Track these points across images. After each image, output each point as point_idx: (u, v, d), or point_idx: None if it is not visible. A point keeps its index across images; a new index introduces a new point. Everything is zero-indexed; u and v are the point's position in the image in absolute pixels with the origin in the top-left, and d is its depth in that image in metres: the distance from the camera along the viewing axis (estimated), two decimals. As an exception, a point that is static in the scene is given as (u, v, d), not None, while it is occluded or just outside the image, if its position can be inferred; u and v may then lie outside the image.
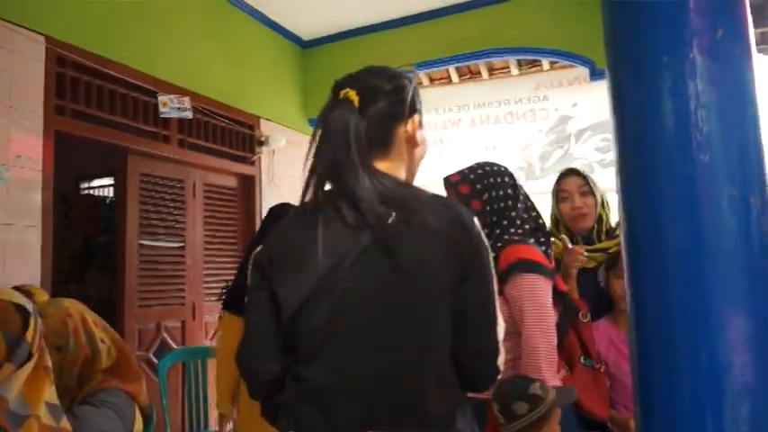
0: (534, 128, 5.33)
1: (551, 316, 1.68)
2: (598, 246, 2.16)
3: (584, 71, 4.65)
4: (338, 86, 1.22)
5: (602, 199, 2.19)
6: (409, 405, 1.04)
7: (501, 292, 1.65)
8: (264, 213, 4.37)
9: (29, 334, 1.10)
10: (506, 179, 1.86)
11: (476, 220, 1.12)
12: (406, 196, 1.10)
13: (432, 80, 5.75)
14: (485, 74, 5.51)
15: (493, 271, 1.13)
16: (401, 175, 1.22)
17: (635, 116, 1.09)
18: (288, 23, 4.77)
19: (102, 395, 1.50)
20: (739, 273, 0.94)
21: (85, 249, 5.10)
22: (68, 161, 4.51)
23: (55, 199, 4.78)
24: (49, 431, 1.04)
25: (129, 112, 3.38)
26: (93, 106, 3.15)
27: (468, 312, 1.09)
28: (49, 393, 1.10)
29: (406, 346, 1.05)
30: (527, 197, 1.92)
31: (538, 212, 1.91)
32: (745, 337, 0.93)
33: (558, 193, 2.24)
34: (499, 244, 1.77)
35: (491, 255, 1.13)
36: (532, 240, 1.80)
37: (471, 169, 1.92)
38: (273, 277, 1.14)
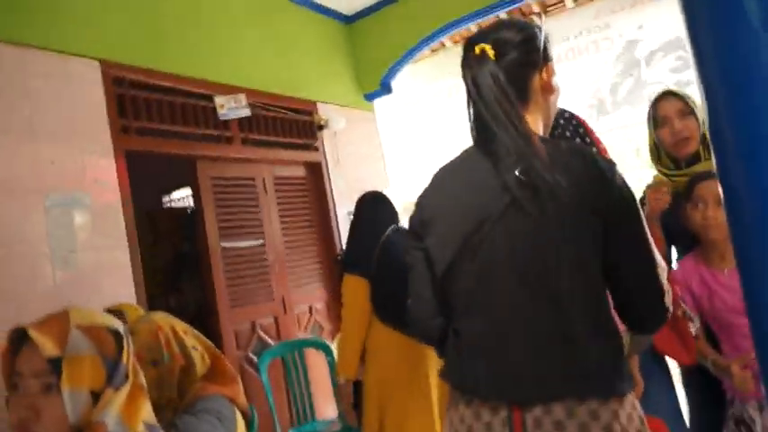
0: (599, 60, 5.01)
1: None
2: (686, 171, 1.98)
3: (647, -11, 4.32)
4: (471, 43, 1.26)
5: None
6: (560, 361, 1.07)
7: None
8: (335, 196, 4.39)
9: (124, 356, 1.10)
10: (562, 127, 1.80)
11: (616, 168, 1.14)
12: (550, 152, 1.12)
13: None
14: (538, 11, 5.22)
15: (642, 215, 1.14)
16: (539, 124, 1.26)
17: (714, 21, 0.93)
18: (328, 1, 4.68)
19: (201, 403, 1.51)
20: None
21: (175, 260, 5.30)
22: (148, 177, 4.69)
23: (140, 216, 5.02)
24: None
25: (189, 120, 3.43)
26: (155, 120, 3.22)
27: (623, 259, 1.12)
28: (146, 413, 1.10)
29: (551, 307, 1.08)
30: (594, 144, 1.77)
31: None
32: None
33: (655, 119, 2.06)
34: None
35: (637, 201, 1.14)
36: None
37: None
38: (426, 238, 1.24)
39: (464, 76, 1.24)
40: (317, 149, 4.38)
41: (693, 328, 1.81)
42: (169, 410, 1.53)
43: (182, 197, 5.85)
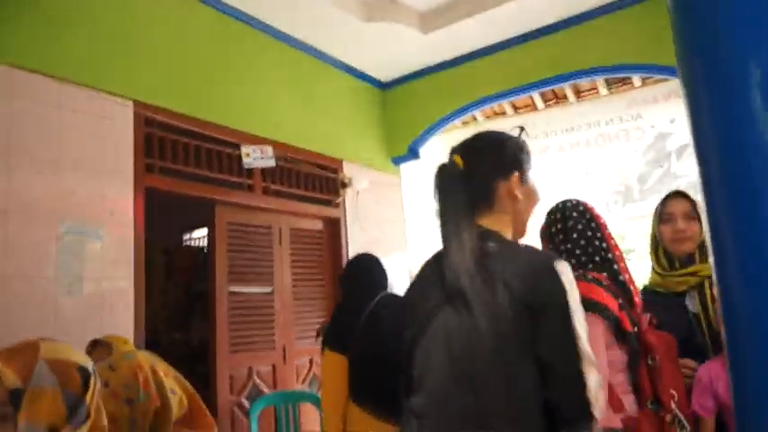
0: (629, 148, 5.03)
1: (598, 355, 1.48)
2: (689, 269, 2.01)
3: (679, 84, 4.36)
4: (450, 153, 1.42)
5: None
6: None
7: None
8: (350, 254, 4.39)
9: (88, 395, 1.10)
10: (567, 213, 1.87)
11: (559, 264, 1.21)
12: (493, 251, 1.26)
13: (516, 108, 5.62)
14: (571, 97, 5.30)
15: (575, 309, 1.19)
16: (506, 226, 1.37)
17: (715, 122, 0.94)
18: (366, 67, 4.84)
19: (170, 448, 1.49)
20: None
21: (186, 298, 5.32)
22: (170, 215, 4.78)
23: (157, 252, 5.10)
24: None
25: (214, 166, 3.52)
26: (180, 162, 3.31)
27: (545, 354, 1.17)
28: (103, 451, 1.08)
29: (471, 392, 1.19)
30: (598, 229, 1.82)
31: (607, 245, 1.82)
32: None
33: (662, 215, 2.12)
34: None
35: (570, 297, 1.19)
36: (592, 276, 1.73)
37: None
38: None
39: (433, 183, 1.39)
40: (337, 206, 4.43)
41: None
42: (137, 452, 1.51)
43: (202, 236, 5.93)
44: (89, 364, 1.13)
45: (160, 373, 1.60)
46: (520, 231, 1.43)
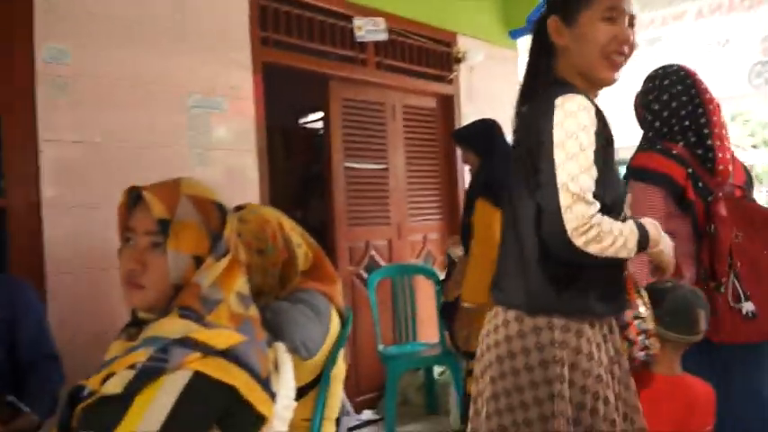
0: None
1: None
2: None
3: None
4: None
5: None
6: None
7: None
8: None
9: (227, 231, 1.16)
10: (666, 81, 1.87)
11: (562, 99, 1.27)
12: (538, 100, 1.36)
13: (651, -31, 5.00)
14: (719, -48, 4.62)
15: (560, 142, 1.25)
16: (570, 68, 1.41)
17: None
18: (481, -72, 4.46)
19: (299, 294, 1.58)
20: None
21: (304, 178, 5.53)
22: (286, 98, 4.88)
23: (275, 133, 5.27)
24: (237, 317, 1.09)
25: (326, 39, 3.48)
26: (294, 35, 3.29)
27: (536, 192, 1.30)
28: (241, 284, 1.16)
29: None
30: (697, 95, 1.82)
31: (705, 112, 1.81)
32: None
33: None
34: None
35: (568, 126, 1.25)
36: (663, 146, 1.79)
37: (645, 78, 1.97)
38: None
39: None
40: (450, 82, 4.28)
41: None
42: (270, 297, 1.62)
43: (316, 119, 6.04)
44: (225, 203, 1.19)
45: (286, 227, 1.67)
46: (591, 76, 1.40)
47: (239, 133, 2.96)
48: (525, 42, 5.03)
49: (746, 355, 1.73)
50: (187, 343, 0.98)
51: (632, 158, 1.84)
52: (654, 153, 1.77)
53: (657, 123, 1.84)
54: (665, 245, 1.39)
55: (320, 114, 5.79)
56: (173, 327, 1.01)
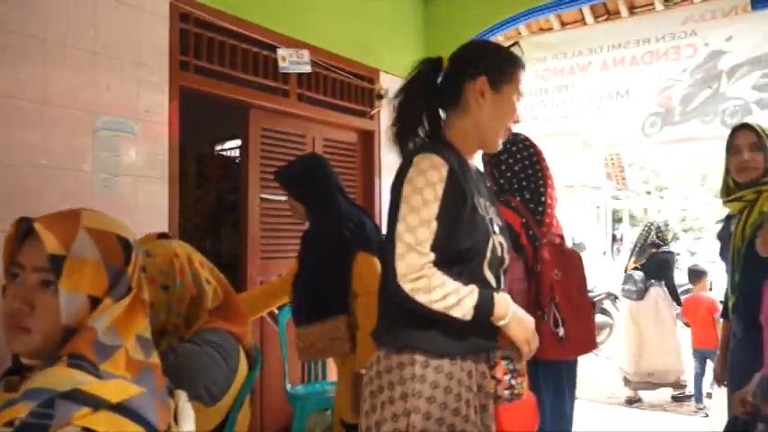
0: (677, 67, 4.73)
1: None
2: (734, 195, 2.31)
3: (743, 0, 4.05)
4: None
5: None
6: None
7: None
8: (383, 168, 4.33)
9: (130, 268, 1.07)
10: (508, 146, 2.19)
11: (418, 157, 1.42)
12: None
13: (563, 24, 5.32)
14: (624, 12, 4.98)
15: (407, 195, 1.40)
16: (469, 129, 1.55)
17: None
18: (407, -29, 4.58)
19: (206, 334, 1.50)
20: None
21: (218, 208, 5.37)
22: (203, 125, 4.74)
23: (189, 160, 5.09)
24: (136, 365, 1.00)
25: (249, 68, 3.42)
26: (216, 62, 3.21)
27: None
28: (142, 327, 1.07)
29: None
30: (538, 162, 2.19)
31: (542, 176, 2.17)
32: None
33: (730, 147, 2.35)
34: None
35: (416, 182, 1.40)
36: (505, 199, 2.12)
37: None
38: None
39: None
40: (372, 118, 4.32)
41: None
42: (174, 338, 1.52)
43: (233, 147, 5.91)
44: (131, 237, 1.10)
45: (196, 262, 1.59)
46: (485, 140, 1.56)
47: (151, 159, 2.83)
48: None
49: (559, 371, 2.14)
50: (76, 396, 0.88)
51: None
52: (498, 203, 2.00)
53: (502, 180, 2.21)
54: (516, 322, 1.46)
55: (237, 143, 5.69)
56: (60, 377, 0.91)
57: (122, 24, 2.73)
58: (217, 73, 3.23)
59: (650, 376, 5.03)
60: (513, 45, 1.62)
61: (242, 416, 1.59)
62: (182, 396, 1.14)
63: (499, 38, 5.33)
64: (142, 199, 2.78)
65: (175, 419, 1.08)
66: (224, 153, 6.02)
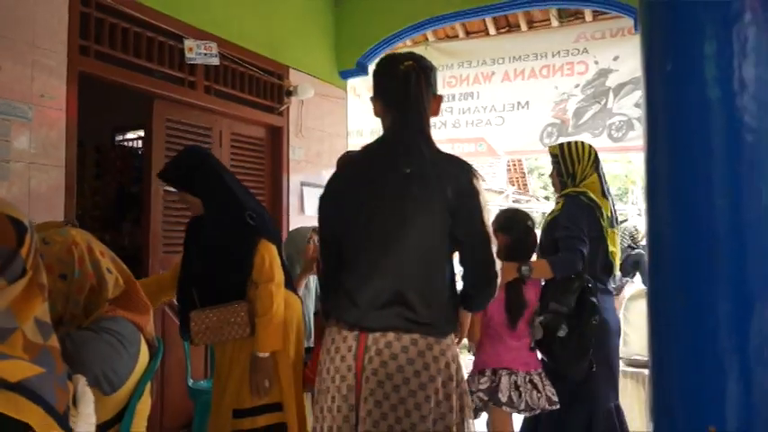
0: (571, 82, 5.10)
1: None
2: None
3: (628, 22, 4.41)
4: (393, 61, 1.75)
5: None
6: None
7: None
8: (291, 164, 4.35)
9: (23, 249, 1.05)
10: None
11: (474, 170, 1.70)
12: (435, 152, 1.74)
13: (468, 33, 5.56)
14: (523, 26, 5.29)
15: (483, 206, 1.64)
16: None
17: (667, 87, 0.92)
18: (319, -29, 4.63)
19: (105, 322, 1.48)
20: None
21: (119, 200, 5.16)
22: (104, 114, 4.54)
23: (88, 149, 4.87)
24: (34, 347, 1.00)
25: (154, 57, 3.34)
26: (119, 48, 3.12)
27: (464, 234, 1.67)
28: (41, 310, 1.06)
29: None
30: None
31: None
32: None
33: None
34: None
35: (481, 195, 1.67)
36: None
37: None
38: None
39: (395, 79, 1.68)
40: (281, 114, 4.33)
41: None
42: (72, 327, 1.49)
43: (135, 138, 5.70)
44: (25, 219, 1.08)
45: (96, 251, 1.56)
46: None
47: (45, 146, 2.70)
48: (353, 83, 5.28)
49: None
50: (-29, 376, 0.87)
51: None
52: None
53: None
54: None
55: (141, 133, 5.49)
56: (-46, 358, 0.90)
57: (17, 4, 2.60)
58: (120, 60, 3.13)
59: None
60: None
61: (142, 406, 1.58)
62: (81, 380, 1.14)
63: (407, 42, 5.50)
64: (35, 187, 2.65)
65: (74, 403, 1.08)
66: (125, 144, 5.79)
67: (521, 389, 2.40)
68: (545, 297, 2.47)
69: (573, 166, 2.65)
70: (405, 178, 1.59)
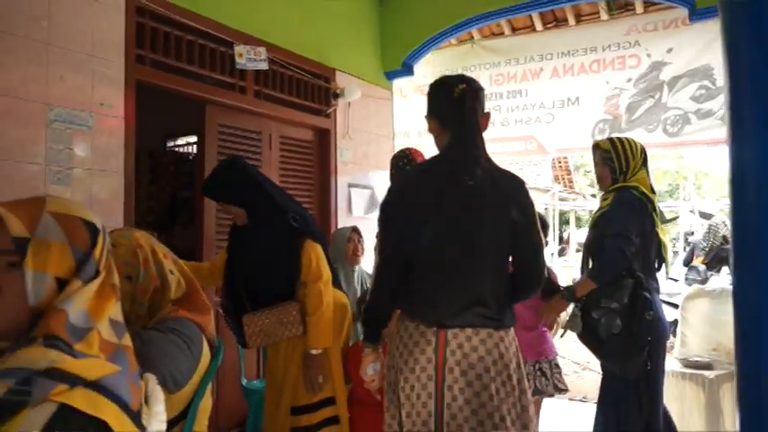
0: (623, 76, 4.97)
1: None
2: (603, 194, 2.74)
3: (682, 12, 4.28)
4: (448, 84, 1.89)
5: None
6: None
7: None
8: (339, 166, 4.39)
9: (96, 251, 1.08)
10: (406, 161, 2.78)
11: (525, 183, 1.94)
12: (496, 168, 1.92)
13: (513, 29, 5.49)
14: (571, 20, 5.19)
15: (536, 217, 1.89)
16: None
17: (753, 76, 0.84)
18: (364, -27, 4.65)
19: (169, 323, 1.51)
20: None
21: (171, 204, 5.30)
22: (156, 120, 4.67)
23: (142, 155, 5.01)
24: (109, 346, 1.03)
25: (206, 63, 3.42)
26: (172, 56, 3.20)
27: (523, 242, 1.87)
28: (114, 311, 1.09)
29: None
30: None
31: None
32: None
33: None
34: None
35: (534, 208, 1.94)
36: None
37: None
38: None
39: (450, 101, 1.83)
40: (328, 117, 4.37)
41: None
42: (137, 327, 1.53)
43: (186, 144, 5.84)
44: (97, 221, 1.12)
45: (159, 253, 1.60)
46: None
47: (105, 153, 2.80)
48: (399, 83, 5.29)
49: None
50: (53, 374, 0.90)
51: None
52: None
53: None
54: None
55: (191, 139, 5.63)
56: (36, 356, 0.93)
57: (76, 16, 2.70)
58: (173, 67, 3.21)
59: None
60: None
61: (204, 404, 1.61)
62: (151, 378, 1.16)
63: (452, 41, 5.47)
64: (96, 193, 2.75)
65: (146, 401, 1.11)
66: (176, 149, 5.94)
67: (529, 376, 2.62)
68: (596, 293, 2.43)
69: (627, 162, 2.59)
70: (469, 191, 1.78)
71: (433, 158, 1.93)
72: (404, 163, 2.74)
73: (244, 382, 3.29)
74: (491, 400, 1.74)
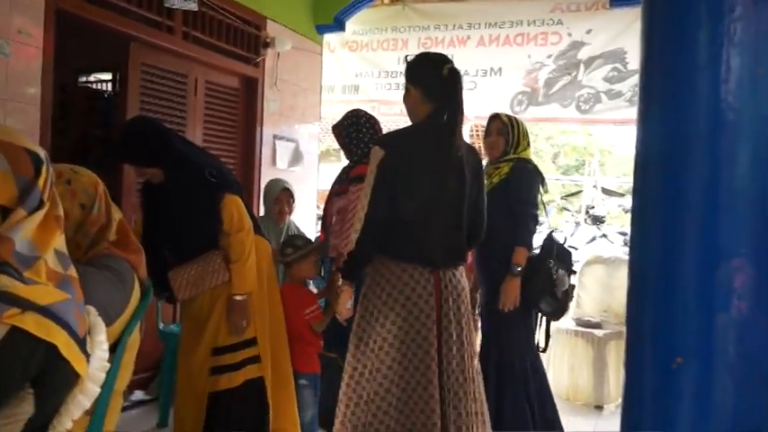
0: (544, 52, 5.18)
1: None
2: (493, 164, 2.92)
3: (604, -5, 4.51)
4: (440, 61, 2.20)
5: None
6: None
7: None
8: (265, 117, 4.35)
9: (40, 181, 1.08)
10: (356, 120, 2.91)
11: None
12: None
13: (446, -5, 5.56)
14: (503, -9, 5.32)
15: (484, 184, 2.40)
16: None
17: (665, 63, 0.94)
18: None
19: (104, 260, 1.53)
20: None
21: (83, 142, 5.05)
22: (68, 54, 4.39)
23: (53, 88, 4.73)
24: (56, 276, 1.05)
25: (132, -1, 3.27)
26: (96, -13, 3.04)
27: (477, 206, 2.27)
28: (59, 242, 1.11)
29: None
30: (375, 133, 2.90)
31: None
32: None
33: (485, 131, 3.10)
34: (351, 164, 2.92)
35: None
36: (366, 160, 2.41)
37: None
38: None
39: (439, 78, 2.10)
40: (257, 66, 4.30)
41: None
42: (72, 258, 1.54)
43: (100, 80, 5.54)
44: (41, 151, 1.11)
45: (107, 195, 1.61)
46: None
47: (21, 83, 2.66)
48: (329, 38, 5.26)
49: None
50: (4, 298, 0.93)
51: (352, 170, 2.80)
52: (364, 165, 2.35)
53: (361, 145, 2.81)
54: None
55: (104, 76, 5.35)
56: (-13, 281, 0.95)
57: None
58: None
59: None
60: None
61: (133, 340, 1.65)
62: (92, 310, 1.20)
63: (385, 0, 5.48)
64: (11, 125, 2.62)
65: (88, 332, 1.15)
66: (89, 86, 5.63)
67: None
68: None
69: (520, 138, 2.89)
70: (457, 160, 2.12)
71: (420, 126, 2.17)
72: (367, 128, 2.89)
73: (161, 326, 3.30)
74: (467, 326, 2.18)
